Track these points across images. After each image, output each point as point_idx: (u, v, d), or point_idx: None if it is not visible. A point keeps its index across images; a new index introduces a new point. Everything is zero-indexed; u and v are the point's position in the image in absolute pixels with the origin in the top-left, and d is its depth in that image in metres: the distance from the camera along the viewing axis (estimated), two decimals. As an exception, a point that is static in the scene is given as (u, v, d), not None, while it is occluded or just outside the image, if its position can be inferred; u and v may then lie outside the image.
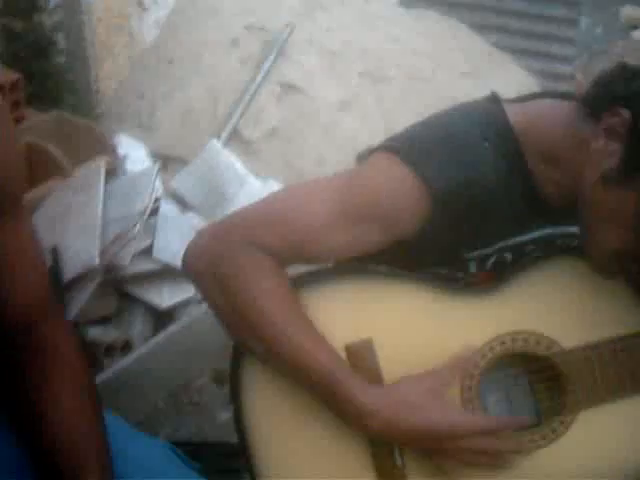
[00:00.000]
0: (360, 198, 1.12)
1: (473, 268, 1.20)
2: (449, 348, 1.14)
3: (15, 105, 2.60)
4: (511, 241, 1.19)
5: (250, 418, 1.16)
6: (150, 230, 2.22)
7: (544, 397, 1.20)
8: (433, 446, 1.11)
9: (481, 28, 3.96)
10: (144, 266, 2.12)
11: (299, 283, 1.15)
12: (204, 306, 1.91)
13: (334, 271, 1.18)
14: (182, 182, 2.76)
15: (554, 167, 1.14)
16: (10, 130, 1.05)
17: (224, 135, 2.93)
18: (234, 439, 1.21)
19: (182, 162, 2.93)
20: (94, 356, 1.97)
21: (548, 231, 1.20)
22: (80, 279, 1.98)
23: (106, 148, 2.61)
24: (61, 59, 3.00)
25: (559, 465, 1.16)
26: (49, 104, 2.82)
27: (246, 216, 1.17)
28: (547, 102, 1.20)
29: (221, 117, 3.06)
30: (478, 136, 1.13)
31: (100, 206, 2.11)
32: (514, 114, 1.16)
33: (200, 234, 1.17)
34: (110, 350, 1.98)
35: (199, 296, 1.93)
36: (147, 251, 2.17)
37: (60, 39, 3.00)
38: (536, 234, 1.20)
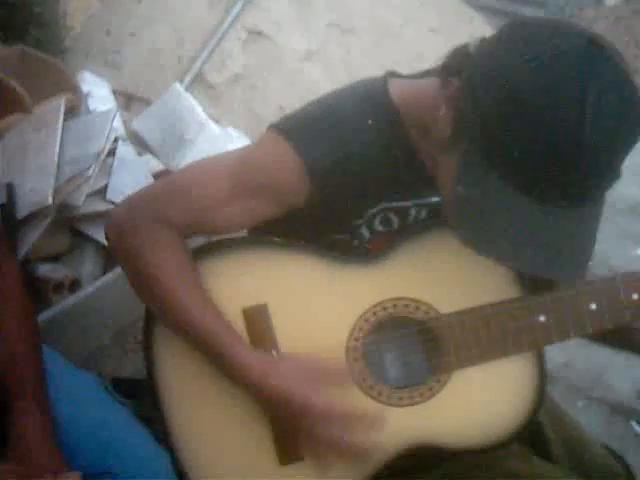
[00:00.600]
0: (248, 174, 1.21)
1: (365, 232, 1.28)
2: (339, 313, 1.24)
3: (-22, 37, 2.59)
4: (395, 203, 1.26)
5: (160, 374, 1.25)
6: (106, 171, 2.26)
7: (431, 356, 1.29)
8: (290, 418, 1.19)
9: (453, -15, 3.97)
10: (97, 206, 2.16)
11: (200, 253, 1.24)
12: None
13: (233, 242, 1.25)
14: (143, 123, 2.79)
15: (428, 138, 1.20)
16: None
17: (188, 78, 2.96)
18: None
19: (145, 103, 2.96)
20: (43, 293, 2.02)
21: (434, 199, 1.27)
22: (33, 216, 2.02)
23: (69, 85, 2.61)
24: (29, -9, 2.97)
25: (434, 419, 1.26)
26: (15, 37, 2.81)
27: (151, 193, 1.26)
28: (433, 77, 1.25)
29: (186, 60, 3.08)
30: (360, 114, 1.20)
31: (57, 145, 2.14)
32: (399, 90, 1.23)
33: (116, 211, 1.25)
34: (59, 288, 2.04)
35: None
36: (102, 191, 2.22)
37: (29, -29, 2.97)
38: (420, 200, 1.27)
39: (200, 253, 1.24)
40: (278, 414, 1.20)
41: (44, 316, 1.99)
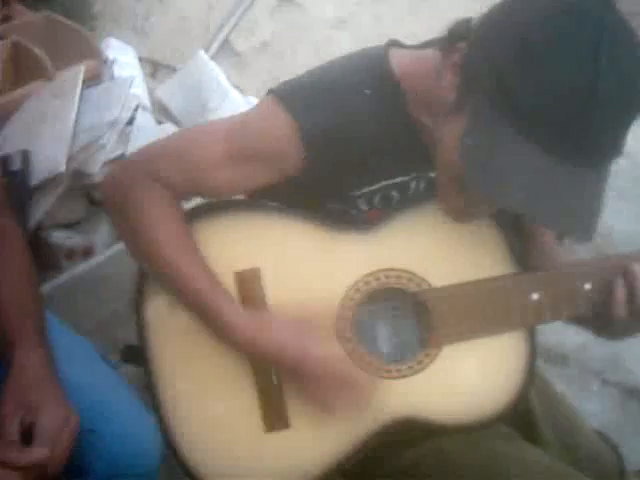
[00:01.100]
0: (245, 140, 1.20)
1: (363, 205, 1.27)
2: (330, 280, 1.24)
3: (5, 2, 2.61)
4: (396, 180, 1.25)
5: (150, 336, 1.26)
6: (125, 139, 2.27)
7: (422, 330, 1.28)
8: (286, 371, 1.21)
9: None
10: (113, 175, 2.17)
11: (194, 214, 1.25)
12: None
13: (227, 204, 1.26)
14: (167, 91, 2.79)
15: (427, 111, 1.18)
16: None
17: (214, 46, 2.95)
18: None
19: (172, 70, 2.96)
20: (55, 259, 2.05)
21: (431, 175, 1.25)
22: (47, 184, 2.05)
23: (92, 52, 2.62)
24: (58, -45, 2.99)
25: (422, 393, 1.26)
26: (43, 3, 2.83)
27: (149, 151, 1.26)
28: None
29: (214, 27, 3.07)
30: (359, 84, 1.18)
31: (73, 113, 2.14)
32: (400, 61, 1.21)
33: (114, 166, 1.26)
34: (71, 255, 2.06)
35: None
36: (120, 159, 2.22)
37: None
38: (419, 174, 1.26)
39: (194, 214, 1.25)
40: (273, 367, 1.22)
41: (56, 283, 2.02)
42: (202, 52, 2.82)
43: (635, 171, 2.83)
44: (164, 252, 1.18)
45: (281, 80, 1.25)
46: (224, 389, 1.25)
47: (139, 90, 2.63)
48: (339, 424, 1.24)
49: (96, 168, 2.12)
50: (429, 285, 1.25)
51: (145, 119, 2.37)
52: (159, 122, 2.52)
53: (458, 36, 1.11)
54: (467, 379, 1.27)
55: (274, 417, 1.24)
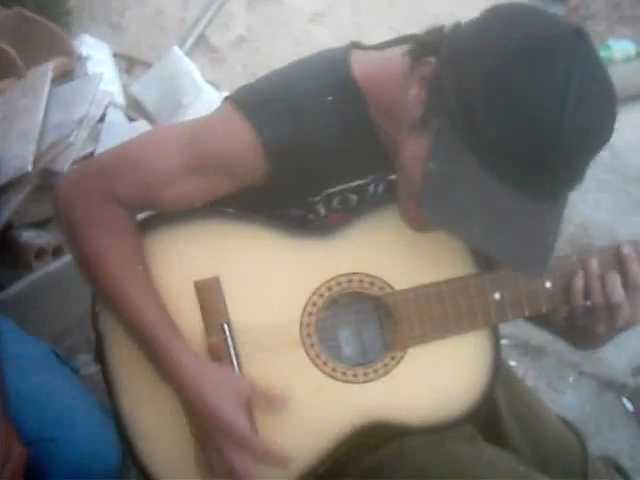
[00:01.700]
0: (201, 149, 1.16)
1: (321, 209, 1.25)
2: (292, 287, 1.22)
3: (-24, -1, 2.59)
4: (354, 183, 1.23)
5: (107, 351, 1.22)
6: (96, 136, 2.25)
7: (386, 333, 1.27)
8: (207, 430, 1.13)
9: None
10: (84, 173, 2.15)
11: (150, 225, 1.21)
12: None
13: (185, 213, 1.22)
14: (142, 88, 2.77)
15: (389, 118, 1.16)
16: None
17: (190, 41, 2.93)
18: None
19: (147, 66, 2.94)
20: (25, 259, 2.04)
21: (391, 177, 1.24)
22: (15, 183, 2.03)
23: (65, 49, 2.60)
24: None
25: (388, 397, 1.24)
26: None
27: (102, 162, 1.21)
28: (398, 51, 1.19)
29: (190, 22, 3.04)
30: (319, 90, 1.16)
31: (41, 111, 2.13)
32: (361, 65, 1.18)
33: (68, 175, 1.22)
34: (41, 254, 2.05)
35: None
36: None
37: None
38: (378, 176, 1.24)
39: (150, 224, 1.21)
40: (196, 421, 1.16)
41: (26, 282, 2.01)
42: (177, 48, 2.81)
43: (615, 162, 2.84)
44: (112, 279, 1.13)
45: (258, 75, 1.21)
46: (176, 413, 1.19)
47: (112, 87, 2.61)
48: (308, 432, 1.22)
49: (65, 166, 2.11)
50: (392, 288, 1.24)
51: (117, 116, 2.36)
52: (131, 119, 2.50)
53: (429, 49, 1.09)
54: (433, 380, 1.26)
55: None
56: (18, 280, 2.02)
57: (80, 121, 2.11)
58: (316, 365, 1.23)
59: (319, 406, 1.22)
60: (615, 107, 1.01)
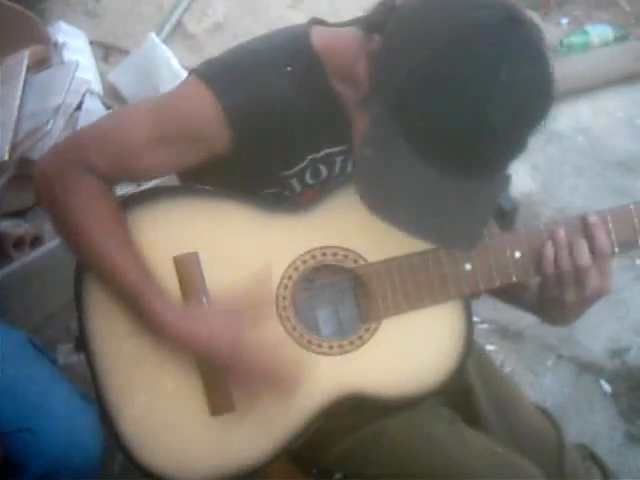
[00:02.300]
0: (168, 120, 1.19)
1: (296, 185, 1.27)
2: (267, 261, 1.24)
3: (-50, -14, 2.55)
4: (321, 152, 1.25)
5: (89, 324, 1.24)
6: (73, 124, 2.23)
7: (361, 305, 1.29)
8: (220, 364, 1.20)
9: None
10: (61, 161, 2.14)
11: (130, 202, 1.23)
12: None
13: (163, 190, 1.25)
14: (119, 75, 2.75)
15: (351, 86, 1.18)
16: None
17: (167, 28, 2.90)
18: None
19: (125, 54, 2.91)
20: (3, 248, 2.02)
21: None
22: (-9, 172, 2.01)
23: (41, 37, 2.58)
24: None
25: (364, 368, 1.26)
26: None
27: (77, 137, 1.25)
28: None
29: (167, 9, 3.01)
30: (279, 59, 1.19)
31: (17, 99, 2.11)
32: (321, 36, 1.21)
33: (44, 154, 1.23)
34: (20, 243, 2.03)
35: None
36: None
37: None
38: (345, 146, 1.25)
39: (130, 202, 1.23)
40: (207, 362, 1.20)
41: (4, 271, 1.99)
42: (154, 35, 2.78)
43: (593, 148, 2.85)
44: (95, 244, 1.16)
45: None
46: (167, 375, 1.23)
47: (89, 74, 2.59)
48: (285, 404, 1.23)
49: (41, 155, 2.09)
50: (365, 260, 1.26)
51: (94, 104, 2.34)
52: (108, 107, 2.48)
53: (375, 26, 1.10)
54: (407, 350, 1.28)
55: (219, 400, 1.23)
56: (-3, 269, 2.01)
57: (57, 109, 2.10)
58: (292, 337, 1.25)
59: None
60: (550, 89, 1.03)
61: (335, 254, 1.25)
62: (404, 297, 1.26)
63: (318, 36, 1.21)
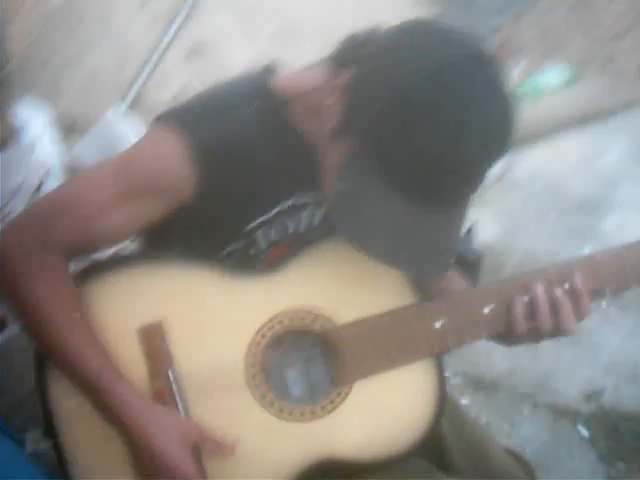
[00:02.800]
0: (132, 170, 1.18)
1: (262, 241, 1.27)
2: (235, 328, 1.22)
3: None
4: (288, 203, 1.26)
5: (52, 406, 1.20)
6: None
7: (332, 369, 1.28)
8: (151, 467, 1.15)
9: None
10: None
11: (89, 275, 1.20)
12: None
13: (122, 259, 1.23)
14: (81, 150, 2.76)
15: (316, 124, 1.19)
16: None
17: (128, 101, 2.93)
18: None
19: (86, 129, 2.93)
20: (-33, 334, 2.00)
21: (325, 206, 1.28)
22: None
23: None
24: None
25: (336, 433, 1.24)
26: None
27: (37, 210, 1.21)
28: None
29: (128, 82, 3.04)
30: (243, 99, 1.21)
31: (-26, 183, 2.11)
32: (285, 75, 1.25)
33: (6, 228, 1.19)
34: (-17, 328, 2.01)
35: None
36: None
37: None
38: (311, 195, 1.27)
39: (90, 273, 1.20)
40: (142, 462, 1.16)
41: (-31, 358, 1.96)
42: (115, 108, 2.81)
43: (549, 191, 2.88)
44: (52, 334, 1.14)
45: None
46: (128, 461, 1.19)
47: (49, 154, 2.61)
48: (257, 474, 1.21)
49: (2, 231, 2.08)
50: (334, 323, 1.25)
51: (55, 184, 2.34)
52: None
53: (344, 60, 1.13)
54: (379, 414, 1.26)
55: None
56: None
57: (15, 191, 2.10)
58: (262, 406, 1.23)
59: (268, 447, 1.22)
60: (510, 126, 1.08)
61: (303, 318, 1.24)
62: (375, 360, 1.25)
63: (282, 76, 1.24)
